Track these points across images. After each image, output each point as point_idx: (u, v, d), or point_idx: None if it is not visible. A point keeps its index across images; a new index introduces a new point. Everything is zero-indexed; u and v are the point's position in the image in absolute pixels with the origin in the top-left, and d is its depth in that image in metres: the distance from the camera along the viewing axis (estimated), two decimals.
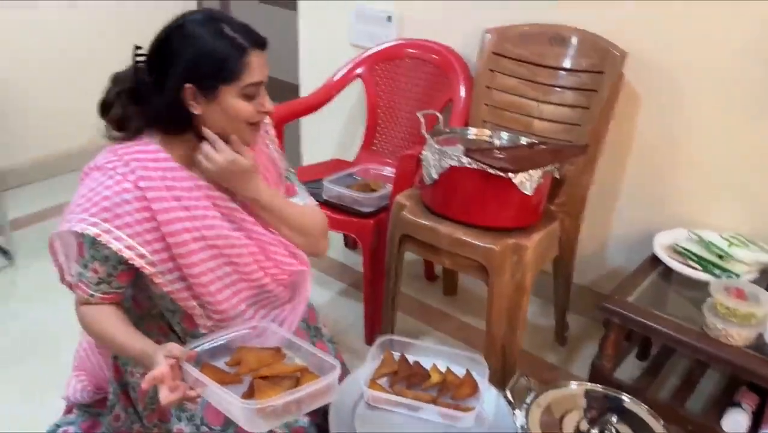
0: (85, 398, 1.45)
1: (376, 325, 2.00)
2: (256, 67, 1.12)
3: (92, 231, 1.09)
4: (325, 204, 1.92)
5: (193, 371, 1.05)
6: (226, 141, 1.17)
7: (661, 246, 1.68)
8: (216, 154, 1.14)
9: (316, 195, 1.93)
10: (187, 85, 1.10)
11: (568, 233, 1.87)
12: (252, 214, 1.25)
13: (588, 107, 1.77)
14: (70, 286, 1.27)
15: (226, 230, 1.19)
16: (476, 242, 1.59)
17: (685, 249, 1.64)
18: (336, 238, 2.56)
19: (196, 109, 1.13)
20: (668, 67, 1.77)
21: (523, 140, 1.75)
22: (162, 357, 1.02)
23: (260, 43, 1.14)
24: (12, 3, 2.68)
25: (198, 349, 1.14)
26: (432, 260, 1.75)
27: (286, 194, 1.38)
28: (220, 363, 1.19)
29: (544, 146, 1.69)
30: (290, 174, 1.42)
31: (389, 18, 2.28)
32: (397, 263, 1.80)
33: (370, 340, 2.02)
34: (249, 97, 1.14)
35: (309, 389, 1.06)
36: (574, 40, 1.80)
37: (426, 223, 1.66)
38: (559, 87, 1.83)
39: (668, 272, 1.64)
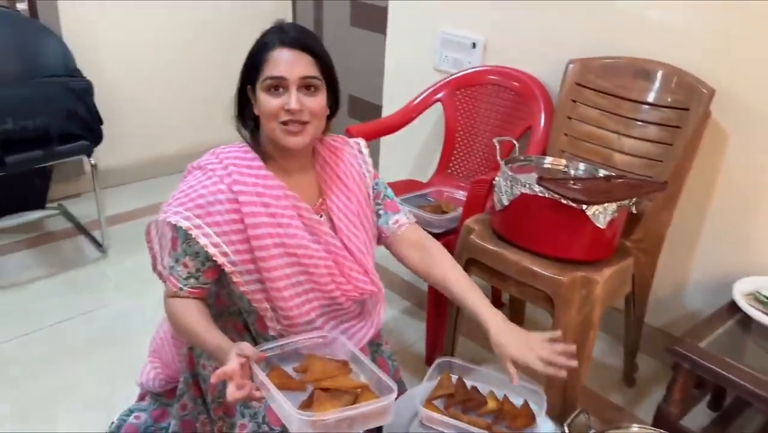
0: (155, 387, 1.54)
1: (437, 346, 2.01)
2: (278, 62, 1.17)
3: (184, 224, 1.18)
4: None
5: (260, 374, 1.09)
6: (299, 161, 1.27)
7: (741, 293, 1.60)
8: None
9: None
10: (248, 86, 1.23)
11: (643, 271, 1.81)
12: (333, 229, 1.30)
13: (671, 143, 1.72)
14: (161, 275, 1.37)
15: (306, 241, 1.24)
16: (544, 272, 1.57)
17: (767, 298, 1.56)
18: (435, 243, 2.59)
19: (255, 109, 1.22)
20: (758, 105, 1.70)
21: (601, 173, 1.73)
22: (234, 355, 1.07)
23: (291, 42, 1.18)
24: (123, 6, 2.91)
25: (268, 352, 1.19)
26: (498, 286, 1.75)
27: (385, 210, 1.43)
28: (289, 367, 1.23)
29: (621, 180, 1.65)
30: (388, 191, 1.46)
31: (474, 45, 2.31)
32: None
33: (430, 361, 2.03)
34: (275, 94, 1.19)
35: (363, 409, 1.09)
36: (659, 75, 1.77)
37: (494, 248, 1.66)
38: (641, 121, 1.79)
39: (747, 320, 1.56)
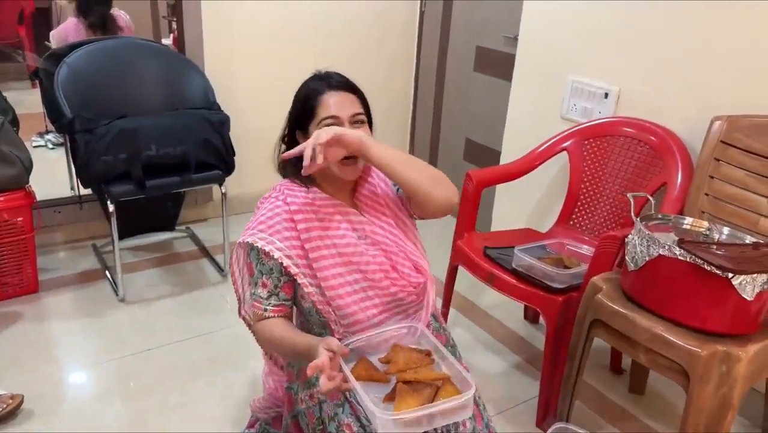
0: (262, 414, 1.58)
1: (550, 408, 1.90)
2: (331, 104, 1.30)
3: (251, 239, 1.29)
4: (513, 273, 1.90)
5: (345, 369, 1.14)
6: (328, 179, 1.35)
7: None
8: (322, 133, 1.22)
9: (504, 262, 1.94)
10: (297, 131, 1.37)
11: None
12: (381, 228, 1.36)
13: None
14: (245, 320, 1.45)
15: (355, 240, 1.32)
16: (680, 342, 1.45)
17: None
18: (516, 308, 2.51)
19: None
20: None
21: (748, 239, 1.59)
22: (323, 349, 1.13)
23: (339, 85, 1.32)
24: (260, 43, 3.09)
25: (354, 344, 1.26)
26: (625, 352, 1.63)
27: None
28: (375, 358, 1.28)
29: None
30: None
31: (606, 95, 2.24)
32: (584, 348, 1.71)
33: (541, 422, 1.92)
34: None
35: (442, 406, 1.11)
36: None
37: (623, 311, 1.56)
38: None
39: None
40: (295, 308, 1.41)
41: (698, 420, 1.46)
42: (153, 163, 2.31)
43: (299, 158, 1.27)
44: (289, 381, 1.45)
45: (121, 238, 2.44)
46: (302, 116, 1.34)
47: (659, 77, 2.07)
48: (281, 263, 1.28)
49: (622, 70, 2.19)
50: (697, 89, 1.97)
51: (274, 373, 1.60)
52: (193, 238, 2.99)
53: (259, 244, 1.28)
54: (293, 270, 1.29)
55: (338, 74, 1.37)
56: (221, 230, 2.65)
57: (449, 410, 1.11)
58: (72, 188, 2.92)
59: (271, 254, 1.27)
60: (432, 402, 1.14)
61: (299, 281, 1.30)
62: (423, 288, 1.39)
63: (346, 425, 1.26)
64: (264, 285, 1.31)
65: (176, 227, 2.98)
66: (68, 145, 2.58)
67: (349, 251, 1.31)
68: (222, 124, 2.48)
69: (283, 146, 1.43)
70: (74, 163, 2.40)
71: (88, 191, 2.55)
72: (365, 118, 1.35)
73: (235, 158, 2.56)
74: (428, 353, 1.28)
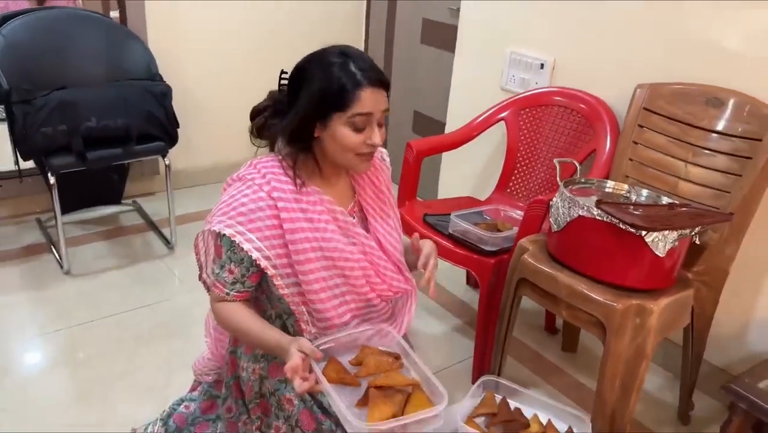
0: (204, 377, 1.60)
1: (485, 366, 1.99)
2: (367, 100, 1.19)
3: (228, 232, 1.23)
4: (450, 238, 1.97)
5: (317, 372, 1.14)
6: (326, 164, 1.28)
7: None
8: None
9: (441, 228, 2.00)
10: (311, 110, 1.22)
11: (704, 305, 1.75)
12: (367, 229, 1.34)
13: (740, 174, 1.66)
14: (205, 283, 1.44)
15: (342, 244, 1.28)
16: (597, 297, 1.54)
17: None
18: (458, 274, 2.59)
19: (316, 132, 1.24)
20: None
21: (664, 200, 1.68)
22: (295, 351, 1.12)
23: (376, 81, 1.21)
24: (206, 15, 3.06)
25: (324, 345, 1.24)
26: (548, 308, 1.72)
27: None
28: (345, 359, 1.27)
29: (685, 208, 1.60)
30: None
31: (542, 65, 2.31)
32: (513, 306, 1.79)
33: (476, 379, 2.01)
34: (357, 129, 1.21)
35: (416, 417, 1.12)
36: (731, 103, 1.71)
37: (546, 270, 1.65)
38: (710, 150, 1.74)
39: None
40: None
41: (615, 369, 1.56)
42: (94, 135, 2.30)
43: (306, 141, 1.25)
44: (233, 345, 1.47)
45: (66, 212, 2.44)
46: (331, 102, 1.20)
47: (591, 48, 2.15)
48: (258, 264, 1.24)
49: (557, 41, 2.26)
50: (625, 59, 2.05)
51: (218, 334, 1.61)
52: (140, 211, 2.98)
53: (237, 239, 1.22)
54: (270, 271, 1.24)
55: (373, 64, 1.24)
56: (167, 203, 2.65)
57: (421, 421, 1.12)
58: (15, 163, 2.87)
59: (248, 252, 1.22)
60: (403, 409, 1.15)
61: (276, 282, 1.26)
62: (405, 295, 1.40)
63: (287, 400, 1.29)
64: (231, 272, 1.27)
65: (122, 201, 2.96)
66: (7, 117, 2.53)
67: (336, 255, 1.27)
68: (164, 95, 2.47)
69: (276, 121, 1.31)
70: (12, 136, 2.37)
71: (30, 165, 2.51)
72: None
73: (182, 132, 2.56)
74: (397, 357, 1.27)
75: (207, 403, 1.63)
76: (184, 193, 3.17)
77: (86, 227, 2.81)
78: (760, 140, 1.63)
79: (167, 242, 2.71)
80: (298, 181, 1.27)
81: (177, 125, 2.53)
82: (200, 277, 1.45)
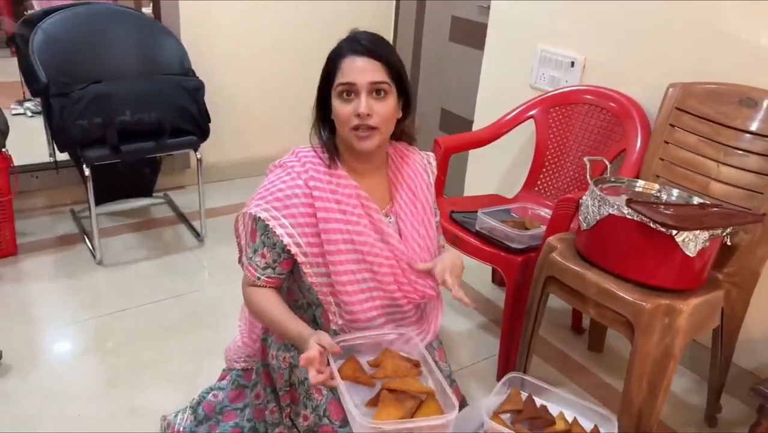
0: (235, 364, 1.63)
1: (510, 364, 1.99)
2: (348, 70, 1.21)
3: (263, 215, 1.26)
4: (476, 235, 1.97)
5: (333, 367, 1.14)
6: (354, 153, 1.28)
7: None
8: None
9: (468, 225, 2.00)
10: (319, 88, 1.28)
11: (734, 307, 1.73)
12: (399, 233, 1.34)
13: None
14: (243, 266, 1.46)
15: (372, 239, 1.29)
16: (625, 296, 1.54)
17: None
18: (484, 271, 2.59)
19: (332, 114, 1.27)
20: None
21: (695, 200, 1.67)
22: (314, 343, 1.14)
23: (362, 51, 1.22)
24: (238, 12, 3.10)
25: (345, 343, 1.24)
26: (576, 306, 1.71)
27: (438, 232, 1.46)
28: (365, 359, 1.27)
29: (716, 209, 1.59)
30: (438, 214, 1.49)
31: (572, 63, 2.29)
32: (540, 304, 1.79)
33: (501, 376, 2.00)
34: (345, 100, 1.23)
35: (423, 423, 1.11)
36: (765, 103, 1.69)
37: (574, 268, 1.64)
38: (743, 150, 1.72)
39: None
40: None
41: (642, 369, 1.55)
42: (128, 128, 2.34)
43: (332, 125, 1.27)
44: (264, 332, 1.48)
45: (98, 203, 2.48)
46: (325, 79, 1.27)
47: (622, 46, 2.13)
48: (288, 250, 1.26)
49: (588, 39, 2.24)
50: (657, 58, 2.03)
51: (252, 320, 1.64)
52: (171, 204, 3.03)
53: (271, 224, 1.24)
54: (300, 258, 1.26)
55: (370, 37, 1.26)
56: (198, 196, 2.69)
57: (429, 427, 1.11)
58: (50, 155, 2.95)
59: (281, 238, 1.24)
60: (413, 416, 1.14)
61: (305, 270, 1.27)
62: (432, 304, 1.40)
63: (316, 390, 1.31)
64: (263, 256, 1.30)
65: (154, 194, 3.01)
66: (44, 110, 2.60)
67: (366, 250, 1.28)
68: (197, 90, 2.51)
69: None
70: (50, 128, 2.43)
71: (65, 157, 2.58)
72: (390, 87, 1.24)
73: (213, 126, 2.60)
74: (416, 364, 1.27)
75: (235, 392, 1.66)
76: (214, 187, 3.22)
77: (118, 219, 2.87)
78: None
79: (197, 234, 2.76)
80: (329, 161, 1.29)
81: (209, 120, 2.57)
82: (239, 260, 1.48)
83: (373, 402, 1.18)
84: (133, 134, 2.36)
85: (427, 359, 1.27)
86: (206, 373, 1.89)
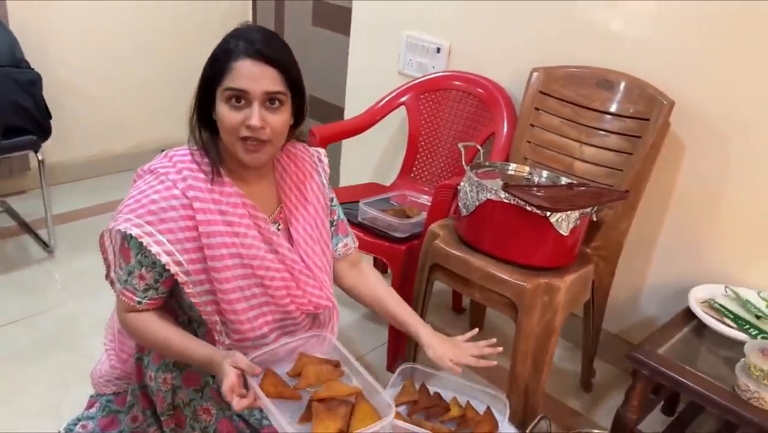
0: (104, 388, 1.47)
1: (399, 352, 1.99)
2: (240, 74, 1.09)
3: (135, 231, 1.11)
4: (359, 226, 1.93)
5: (255, 387, 1.07)
6: (237, 161, 1.17)
7: (696, 300, 1.64)
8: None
9: (350, 216, 1.96)
10: (199, 87, 1.14)
11: (602, 278, 1.85)
12: (290, 241, 1.26)
13: (631, 153, 1.76)
14: (113, 283, 1.30)
15: (263, 252, 1.19)
16: (508, 278, 1.58)
17: (721, 306, 1.61)
18: (366, 260, 2.57)
19: (213, 114, 1.14)
20: (717, 120, 1.75)
21: (563, 180, 1.75)
22: (230, 368, 1.06)
23: (257, 54, 1.09)
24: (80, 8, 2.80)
25: (259, 358, 1.16)
26: (462, 291, 1.75)
27: (336, 232, 1.41)
28: (283, 370, 1.20)
29: (583, 188, 1.68)
30: (340, 211, 1.43)
31: (438, 50, 2.32)
32: (426, 291, 1.80)
33: (391, 367, 2.01)
34: (235, 107, 1.11)
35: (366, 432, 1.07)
36: (621, 86, 1.80)
37: (458, 254, 1.66)
38: (603, 130, 1.82)
39: (702, 327, 1.60)
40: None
41: (527, 346, 1.61)
42: None
43: (214, 126, 1.14)
44: (138, 351, 1.34)
45: None
46: (212, 76, 1.11)
47: (486, 32, 2.18)
48: (168, 269, 1.12)
49: (453, 25, 2.27)
50: (518, 42, 2.11)
51: (123, 338, 1.46)
52: (10, 212, 2.69)
53: (145, 240, 1.10)
54: (181, 279, 1.13)
55: (266, 39, 1.12)
56: (42, 201, 2.41)
57: None
58: None
59: (157, 256, 1.11)
60: (349, 422, 1.10)
61: (187, 290, 1.14)
62: (327, 311, 1.33)
63: (203, 410, 1.22)
64: (142, 277, 1.16)
65: None
66: None
67: (256, 264, 1.17)
68: (32, 83, 2.22)
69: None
70: None
71: None
72: (286, 97, 1.13)
73: (55, 123, 2.33)
74: (337, 364, 1.22)
75: (107, 419, 1.50)
76: (61, 189, 2.89)
77: None
78: (648, 120, 1.73)
79: (45, 244, 2.47)
80: (212, 168, 1.15)
81: (49, 116, 2.30)
82: (107, 276, 1.32)
83: (306, 417, 1.12)
84: None
85: (347, 357, 1.22)
86: (72, 401, 1.70)
